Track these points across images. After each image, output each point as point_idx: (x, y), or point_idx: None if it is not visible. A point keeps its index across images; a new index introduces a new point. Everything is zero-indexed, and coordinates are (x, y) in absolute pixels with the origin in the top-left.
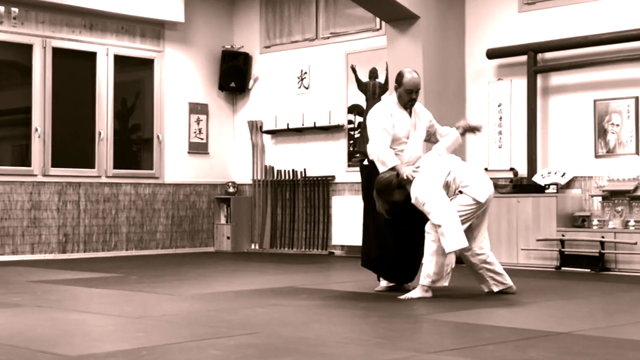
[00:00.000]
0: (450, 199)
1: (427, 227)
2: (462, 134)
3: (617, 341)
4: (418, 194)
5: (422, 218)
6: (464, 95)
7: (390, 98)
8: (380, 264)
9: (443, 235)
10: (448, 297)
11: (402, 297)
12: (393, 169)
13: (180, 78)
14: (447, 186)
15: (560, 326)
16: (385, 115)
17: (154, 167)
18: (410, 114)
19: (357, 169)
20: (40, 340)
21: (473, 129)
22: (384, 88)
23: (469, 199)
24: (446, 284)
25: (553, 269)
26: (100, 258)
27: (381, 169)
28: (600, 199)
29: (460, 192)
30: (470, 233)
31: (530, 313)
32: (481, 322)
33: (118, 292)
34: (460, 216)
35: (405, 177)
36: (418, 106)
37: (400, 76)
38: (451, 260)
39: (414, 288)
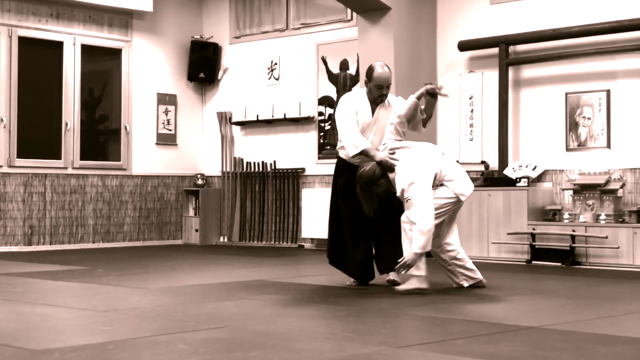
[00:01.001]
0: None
1: (404, 217)
2: (421, 98)
3: (588, 335)
4: (405, 188)
5: (389, 216)
6: None
7: (362, 90)
8: (343, 261)
9: (416, 234)
10: (418, 292)
11: (399, 288)
12: (364, 152)
13: (149, 68)
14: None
15: (530, 320)
16: (353, 105)
17: (122, 158)
18: (375, 108)
19: (328, 161)
20: (4, 334)
21: (434, 94)
22: (354, 79)
23: (450, 193)
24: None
25: (524, 263)
26: (66, 250)
27: (352, 150)
28: (571, 192)
29: (442, 184)
30: (439, 229)
31: (501, 307)
32: (451, 316)
33: (84, 285)
34: (439, 209)
35: (384, 163)
36: (392, 99)
37: (370, 70)
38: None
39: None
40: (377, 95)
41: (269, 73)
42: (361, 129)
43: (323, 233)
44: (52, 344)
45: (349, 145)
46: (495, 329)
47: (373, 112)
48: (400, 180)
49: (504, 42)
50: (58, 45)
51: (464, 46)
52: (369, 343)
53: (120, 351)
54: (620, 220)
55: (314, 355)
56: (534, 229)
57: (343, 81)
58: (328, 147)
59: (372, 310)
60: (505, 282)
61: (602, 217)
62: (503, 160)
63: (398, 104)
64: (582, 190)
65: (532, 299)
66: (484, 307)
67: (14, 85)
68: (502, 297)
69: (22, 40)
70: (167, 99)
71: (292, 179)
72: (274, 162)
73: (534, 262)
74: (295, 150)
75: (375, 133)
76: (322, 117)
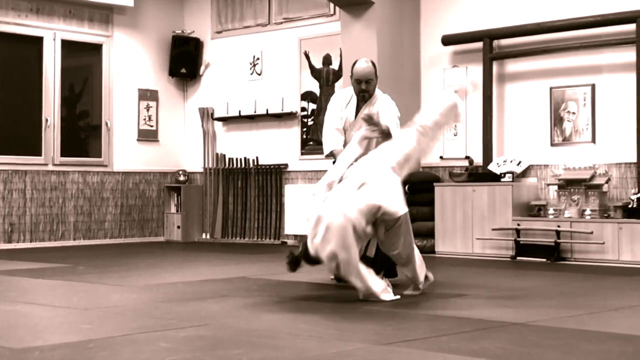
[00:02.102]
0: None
1: None
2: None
3: (572, 332)
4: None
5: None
6: (419, 82)
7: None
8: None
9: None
10: (398, 289)
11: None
12: (332, 154)
13: (130, 64)
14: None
15: (514, 317)
16: (340, 102)
17: (103, 154)
18: (362, 105)
19: (311, 157)
20: None
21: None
22: (337, 75)
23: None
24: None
25: (508, 259)
26: (47, 248)
27: (324, 149)
28: (556, 187)
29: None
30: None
31: (485, 303)
32: (435, 312)
33: (65, 283)
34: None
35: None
36: (383, 100)
37: (352, 66)
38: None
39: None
40: (358, 91)
41: (251, 68)
42: (344, 126)
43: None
44: (33, 342)
45: (324, 144)
46: (479, 325)
47: (359, 109)
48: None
49: (487, 37)
50: (38, 41)
51: (447, 40)
52: (352, 340)
53: (101, 349)
54: (606, 215)
55: (297, 353)
56: (518, 225)
57: (326, 76)
58: (311, 143)
59: (355, 308)
60: (489, 278)
61: (587, 212)
62: (487, 156)
63: (384, 105)
64: (567, 185)
65: (517, 295)
66: (468, 303)
67: None
68: (487, 293)
69: (1, 36)
70: (148, 95)
71: (275, 175)
72: (257, 158)
73: (518, 258)
74: (278, 146)
75: (358, 132)
76: (305, 113)
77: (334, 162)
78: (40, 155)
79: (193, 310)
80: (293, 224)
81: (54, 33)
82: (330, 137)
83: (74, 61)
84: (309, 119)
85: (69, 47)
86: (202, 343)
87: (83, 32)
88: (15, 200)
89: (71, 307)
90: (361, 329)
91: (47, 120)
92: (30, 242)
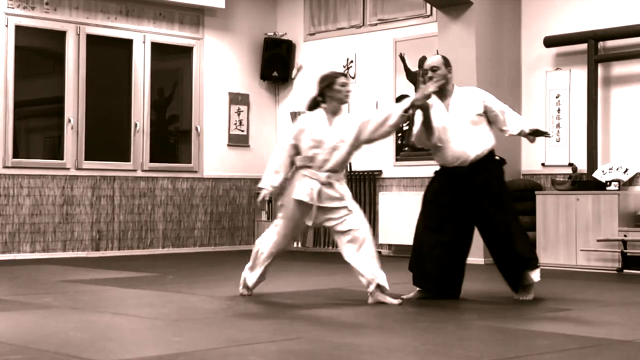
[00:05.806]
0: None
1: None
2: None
3: None
4: None
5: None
6: (520, 86)
7: None
8: None
9: None
10: (497, 302)
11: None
12: None
13: (220, 67)
14: None
15: (622, 334)
16: None
17: (192, 160)
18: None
19: (406, 163)
20: (72, 344)
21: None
22: None
23: None
24: None
25: (614, 272)
26: (135, 256)
27: None
28: None
29: None
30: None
31: (590, 319)
32: (536, 328)
33: (154, 292)
34: None
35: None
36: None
37: None
38: None
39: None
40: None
41: (344, 71)
42: None
43: (401, 239)
44: (121, 355)
45: None
46: (584, 342)
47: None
48: None
49: (592, 38)
50: (127, 44)
51: (550, 42)
52: (451, 357)
53: None
54: None
55: None
56: (625, 236)
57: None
58: (406, 149)
59: (452, 322)
60: (594, 292)
61: None
62: (592, 163)
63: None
64: None
65: (624, 311)
66: (571, 318)
67: (81, 85)
68: (592, 308)
69: (91, 39)
70: (239, 99)
71: (369, 182)
72: (350, 164)
73: (625, 270)
74: (372, 152)
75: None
76: None
77: None
78: (129, 160)
79: (285, 323)
80: (388, 233)
81: (143, 35)
82: None
83: (164, 64)
84: (404, 124)
85: (159, 50)
86: (294, 357)
87: (173, 35)
88: (104, 207)
89: (160, 318)
90: (460, 345)
91: (136, 124)
92: (118, 250)
